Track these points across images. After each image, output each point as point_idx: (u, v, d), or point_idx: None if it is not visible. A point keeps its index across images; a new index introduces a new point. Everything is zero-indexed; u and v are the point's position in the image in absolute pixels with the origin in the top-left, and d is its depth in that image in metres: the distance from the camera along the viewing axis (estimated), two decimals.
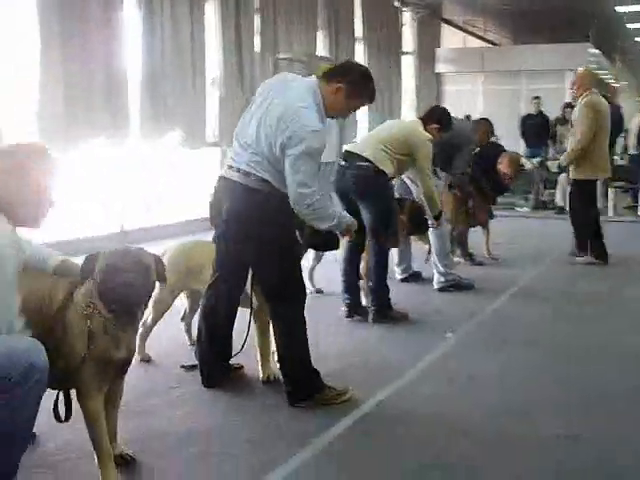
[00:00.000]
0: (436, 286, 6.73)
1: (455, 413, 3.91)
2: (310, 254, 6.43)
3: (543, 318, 5.83)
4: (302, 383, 3.96)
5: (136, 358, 4.52)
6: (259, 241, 3.87)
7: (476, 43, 19.27)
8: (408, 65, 17.00)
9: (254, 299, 4.19)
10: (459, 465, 3.30)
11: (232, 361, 4.35)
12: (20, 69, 7.78)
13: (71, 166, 8.46)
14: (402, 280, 7.08)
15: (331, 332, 5.36)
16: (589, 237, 7.96)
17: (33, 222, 2.78)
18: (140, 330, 4.65)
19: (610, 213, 12.20)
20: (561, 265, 8.01)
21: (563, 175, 12.80)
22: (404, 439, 3.57)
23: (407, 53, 16.98)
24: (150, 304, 4.58)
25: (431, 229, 6.37)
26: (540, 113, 14.57)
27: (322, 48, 13.23)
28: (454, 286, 6.65)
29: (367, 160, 5.52)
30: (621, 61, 25.17)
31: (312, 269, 6.64)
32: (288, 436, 3.57)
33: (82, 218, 8.78)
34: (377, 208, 5.55)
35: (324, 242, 4.23)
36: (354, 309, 5.72)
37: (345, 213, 4.28)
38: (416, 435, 3.62)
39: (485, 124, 8.08)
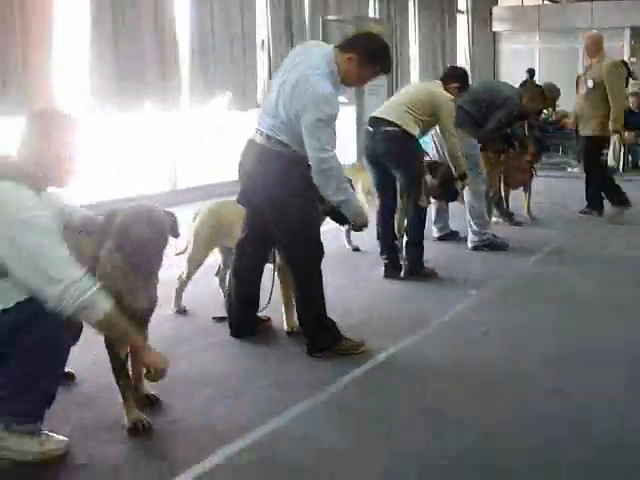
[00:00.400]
0: (470, 245, 6.89)
1: (460, 365, 4.15)
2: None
3: (568, 278, 5.96)
4: (319, 337, 4.24)
5: (172, 309, 4.93)
6: (276, 202, 4.11)
7: (535, 1, 18.94)
8: (463, 24, 16.89)
9: (277, 257, 4.48)
10: (451, 413, 3.53)
11: (261, 314, 4.66)
12: (74, 34, 8.14)
13: (124, 128, 8.88)
14: (438, 238, 7.25)
15: (361, 287, 5.67)
16: (612, 189, 8.34)
17: (59, 182, 3.08)
18: (176, 285, 5.01)
19: None
20: (598, 226, 8.06)
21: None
22: (405, 389, 3.83)
23: (462, 12, 16.86)
24: (185, 260, 4.95)
25: (466, 188, 6.51)
26: None
27: (373, 9, 13.29)
28: (488, 245, 6.80)
29: (394, 124, 5.70)
30: None
31: (349, 229, 6.87)
32: (302, 382, 3.86)
33: (136, 177, 9.19)
34: (408, 169, 5.75)
35: (342, 216, 4.34)
36: (393, 269, 5.91)
37: (359, 202, 4.46)
38: (417, 385, 3.87)
39: (538, 91, 7.61)
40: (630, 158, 12.97)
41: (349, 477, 2.98)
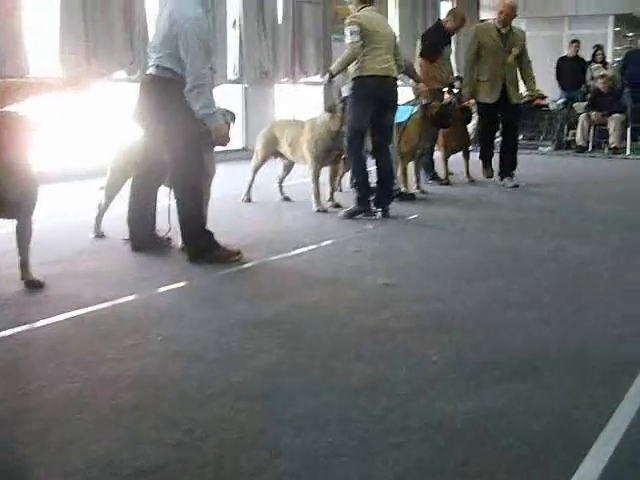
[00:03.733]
0: None
1: (318, 272, 4.82)
2: (280, 166, 7.35)
3: (468, 220, 6.61)
4: (197, 244, 4.91)
5: (92, 234, 5.58)
6: (163, 120, 4.76)
7: None
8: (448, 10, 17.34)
9: None
10: (293, 311, 4.14)
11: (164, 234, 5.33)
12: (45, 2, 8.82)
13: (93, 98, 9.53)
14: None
15: (269, 220, 6.40)
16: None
17: None
18: (95, 212, 5.67)
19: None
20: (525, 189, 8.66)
21: (583, 115, 13.31)
22: (261, 286, 4.49)
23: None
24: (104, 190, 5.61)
25: None
26: (577, 57, 14.76)
27: None
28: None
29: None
30: None
31: (281, 179, 7.50)
32: (170, 276, 4.53)
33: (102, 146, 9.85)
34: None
35: None
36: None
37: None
38: (270, 284, 4.52)
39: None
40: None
41: (184, 336, 3.62)
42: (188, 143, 4.82)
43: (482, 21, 18.87)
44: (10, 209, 4.08)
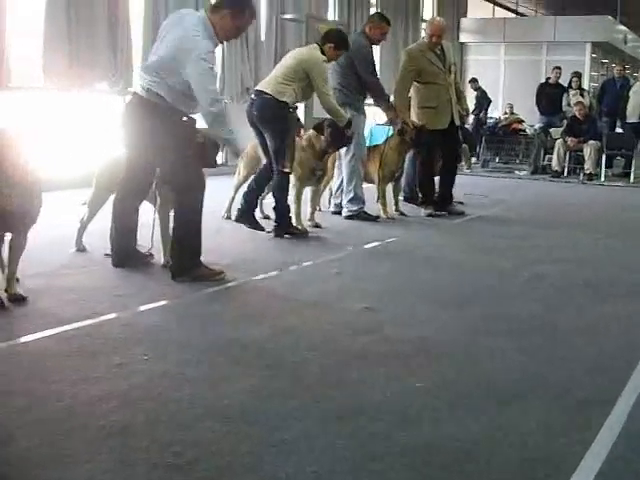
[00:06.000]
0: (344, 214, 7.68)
1: (299, 294, 4.87)
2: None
3: (447, 244, 6.69)
4: (183, 263, 4.93)
5: (73, 248, 5.58)
6: (154, 145, 4.84)
7: (504, 14, 19.74)
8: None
9: (157, 198, 5.20)
10: (279, 324, 4.22)
11: (145, 251, 5.35)
12: (29, 12, 8.84)
13: (75, 107, 9.55)
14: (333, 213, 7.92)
15: (246, 239, 6.45)
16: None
17: None
18: (78, 226, 5.68)
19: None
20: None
21: (559, 141, 13.52)
22: (243, 307, 4.55)
23: (427, 21, 17.53)
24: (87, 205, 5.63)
25: (344, 162, 7.32)
26: (557, 83, 15.04)
27: (333, 12, 14.02)
28: (359, 216, 7.52)
29: (267, 94, 6.41)
30: None
31: (262, 197, 7.53)
32: (153, 294, 4.56)
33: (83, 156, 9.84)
34: (274, 133, 6.38)
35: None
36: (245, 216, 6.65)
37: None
38: (253, 306, 4.60)
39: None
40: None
41: (169, 355, 3.65)
42: (186, 166, 4.86)
43: (462, 44, 19.32)
44: (11, 223, 4.12)
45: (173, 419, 2.79)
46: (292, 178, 6.78)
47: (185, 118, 4.88)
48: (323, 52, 6.57)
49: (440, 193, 8.28)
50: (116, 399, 2.94)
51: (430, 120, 7.86)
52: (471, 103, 15.04)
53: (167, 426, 2.73)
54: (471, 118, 14.54)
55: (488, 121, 15.28)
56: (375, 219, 7.61)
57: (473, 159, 14.58)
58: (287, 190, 6.61)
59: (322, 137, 6.72)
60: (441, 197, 8.28)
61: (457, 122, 8.09)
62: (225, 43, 10.99)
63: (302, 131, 7.06)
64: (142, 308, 4.28)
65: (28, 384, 3.09)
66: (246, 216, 6.65)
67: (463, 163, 13.97)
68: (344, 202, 7.69)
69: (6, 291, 4.22)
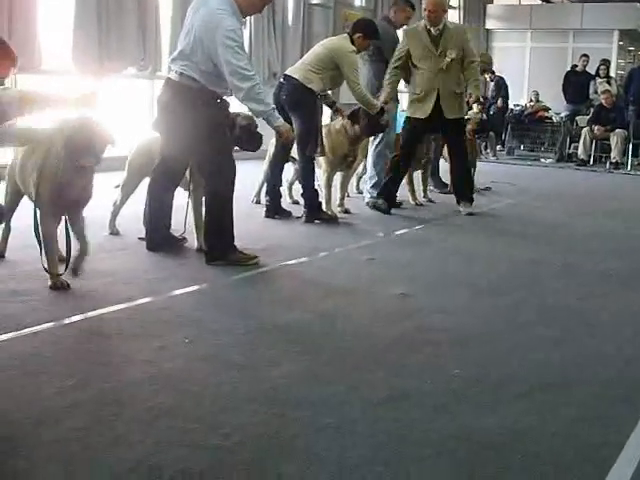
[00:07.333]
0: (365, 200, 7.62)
1: (333, 279, 4.90)
2: (291, 170, 7.40)
3: (475, 232, 6.70)
4: (217, 247, 4.96)
5: (107, 231, 5.63)
6: (187, 129, 4.82)
7: (531, 1, 19.56)
8: (454, 20, 17.47)
9: (191, 183, 5.25)
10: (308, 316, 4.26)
11: (179, 234, 5.40)
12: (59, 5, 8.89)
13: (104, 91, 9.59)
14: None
15: (275, 225, 6.49)
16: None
17: None
18: (111, 209, 5.74)
19: None
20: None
21: (586, 129, 13.43)
22: (278, 292, 4.60)
23: (454, 7, 17.45)
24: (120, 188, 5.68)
25: (372, 147, 7.30)
26: (585, 71, 14.89)
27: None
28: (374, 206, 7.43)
29: (296, 79, 6.44)
30: None
31: (291, 183, 7.57)
32: (187, 278, 4.60)
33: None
34: (301, 118, 6.40)
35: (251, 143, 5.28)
36: (274, 211, 6.69)
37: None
38: (287, 290, 4.64)
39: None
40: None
41: (208, 340, 3.69)
42: (219, 152, 4.90)
43: (488, 31, 19.19)
44: (77, 209, 4.30)
45: (217, 402, 2.83)
46: (323, 163, 6.79)
47: (219, 100, 4.91)
48: (353, 42, 6.59)
49: (455, 186, 7.81)
50: (161, 382, 2.98)
51: (409, 106, 7.40)
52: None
53: (212, 409, 2.77)
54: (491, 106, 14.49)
55: (515, 109, 15.13)
56: (387, 212, 7.32)
57: (498, 147, 14.52)
58: (313, 175, 6.63)
59: (356, 125, 6.75)
60: (456, 190, 7.74)
61: (448, 115, 7.18)
62: (252, 28, 11.37)
63: (343, 112, 7.02)
64: (177, 292, 4.32)
65: (73, 365, 3.14)
66: (273, 210, 6.70)
67: (489, 151, 13.98)
68: (367, 187, 7.67)
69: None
